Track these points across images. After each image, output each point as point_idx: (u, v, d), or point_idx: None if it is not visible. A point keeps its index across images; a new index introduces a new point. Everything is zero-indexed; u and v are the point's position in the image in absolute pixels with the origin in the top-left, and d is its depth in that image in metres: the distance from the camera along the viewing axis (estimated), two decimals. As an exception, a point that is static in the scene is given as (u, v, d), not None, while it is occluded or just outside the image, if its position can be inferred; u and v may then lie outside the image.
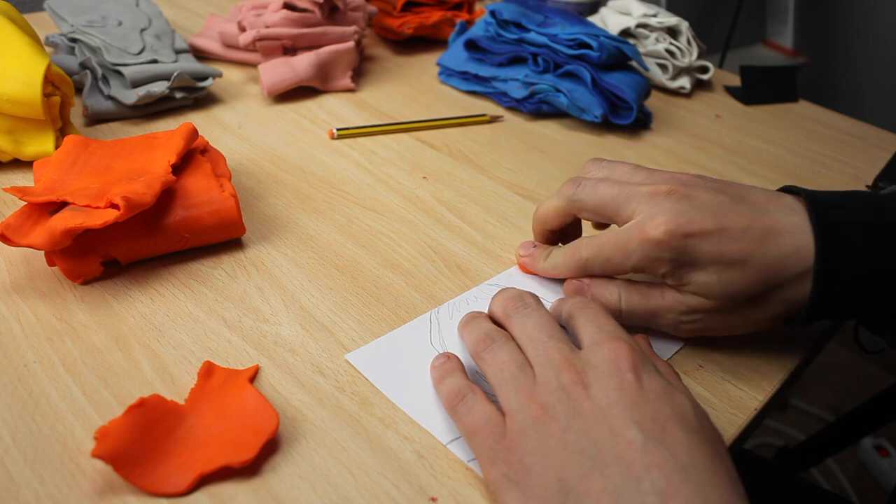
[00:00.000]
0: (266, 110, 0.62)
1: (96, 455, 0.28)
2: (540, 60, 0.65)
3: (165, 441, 0.30)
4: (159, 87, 0.57)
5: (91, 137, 0.48)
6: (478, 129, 0.63)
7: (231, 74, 0.68)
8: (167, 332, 0.37)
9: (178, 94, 0.59)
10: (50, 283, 0.40)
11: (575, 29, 0.65)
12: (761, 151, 0.66)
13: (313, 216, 0.48)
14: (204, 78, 0.61)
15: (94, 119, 0.57)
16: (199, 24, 0.78)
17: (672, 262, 0.35)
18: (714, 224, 0.34)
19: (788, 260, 0.34)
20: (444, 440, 0.33)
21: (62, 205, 0.38)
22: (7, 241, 0.37)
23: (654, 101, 0.72)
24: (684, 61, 0.74)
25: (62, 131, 0.52)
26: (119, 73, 0.58)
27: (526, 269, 0.44)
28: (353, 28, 0.68)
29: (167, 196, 0.41)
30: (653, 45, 0.74)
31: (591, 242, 0.38)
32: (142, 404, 0.30)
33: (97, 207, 0.37)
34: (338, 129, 0.59)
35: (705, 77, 0.77)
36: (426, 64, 0.76)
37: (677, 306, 0.37)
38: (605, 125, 0.65)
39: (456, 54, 0.71)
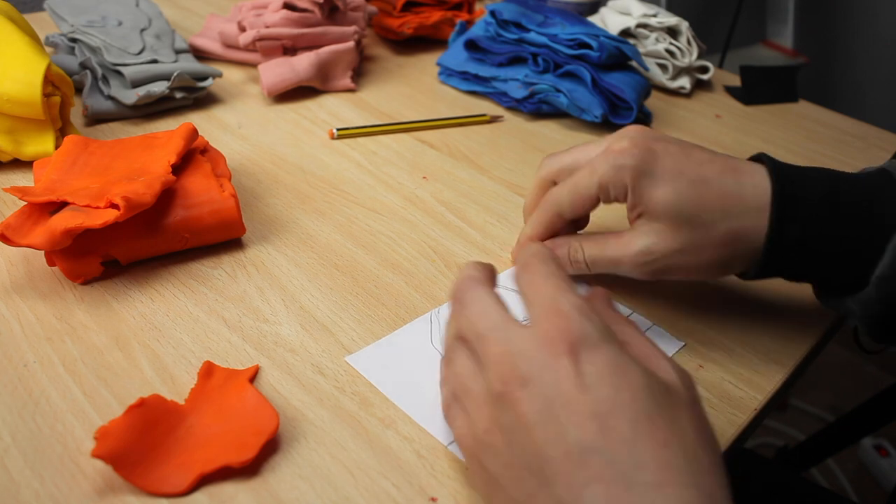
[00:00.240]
0: (266, 110, 0.62)
1: (96, 455, 0.28)
2: (540, 60, 0.65)
3: (165, 441, 0.30)
4: (159, 87, 0.57)
5: (91, 137, 0.48)
6: (478, 129, 0.63)
7: (231, 74, 0.68)
8: (167, 332, 0.37)
9: (178, 94, 0.59)
10: (50, 283, 0.40)
11: (575, 29, 0.65)
12: (761, 151, 0.65)
13: (313, 216, 0.48)
14: (204, 78, 0.61)
15: (94, 119, 0.57)
16: (199, 24, 0.78)
17: (634, 169, 0.36)
18: (678, 148, 0.37)
19: (746, 190, 0.36)
20: (444, 440, 0.33)
21: (62, 205, 0.38)
22: (7, 241, 0.37)
23: (654, 101, 0.72)
24: (684, 61, 0.74)
25: (62, 131, 0.52)
26: (119, 73, 0.58)
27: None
28: (353, 28, 0.68)
29: (167, 196, 0.41)
30: (653, 45, 0.74)
31: (558, 188, 0.40)
32: (142, 404, 0.30)
33: (97, 207, 0.37)
34: (338, 129, 0.59)
35: (705, 77, 0.77)
36: (426, 64, 0.76)
37: (634, 246, 0.37)
38: (605, 125, 0.65)
39: (456, 54, 0.71)
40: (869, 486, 1.23)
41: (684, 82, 0.75)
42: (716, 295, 0.44)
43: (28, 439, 0.31)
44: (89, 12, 0.64)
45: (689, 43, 0.75)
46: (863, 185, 0.36)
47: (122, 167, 0.43)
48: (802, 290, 0.44)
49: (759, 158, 0.39)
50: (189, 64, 0.61)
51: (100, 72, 0.58)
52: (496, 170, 0.57)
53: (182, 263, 0.42)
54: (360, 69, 0.73)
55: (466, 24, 0.75)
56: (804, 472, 1.19)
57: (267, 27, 0.65)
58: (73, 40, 0.62)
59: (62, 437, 0.31)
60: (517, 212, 0.51)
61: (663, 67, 0.75)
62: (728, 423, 0.36)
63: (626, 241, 0.38)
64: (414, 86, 0.71)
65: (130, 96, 0.56)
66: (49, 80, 0.49)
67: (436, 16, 0.78)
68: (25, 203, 0.39)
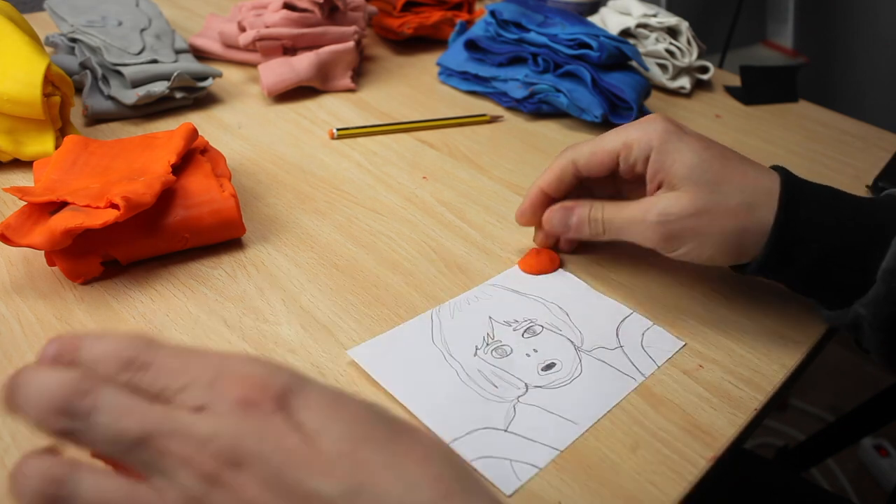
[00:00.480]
0: (266, 110, 0.62)
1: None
2: (540, 60, 0.65)
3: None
4: (159, 87, 0.57)
5: (91, 137, 0.48)
6: (478, 129, 0.63)
7: (231, 74, 0.68)
8: (167, 332, 0.37)
9: (178, 94, 0.59)
10: (50, 283, 0.40)
11: (575, 29, 0.65)
12: (761, 151, 0.66)
13: (313, 216, 0.48)
14: (204, 78, 0.61)
15: (94, 119, 0.57)
16: (199, 24, 0.78)
17: (664, 131, 0.38)
18: (702, 136, 0.39)
19: (761, 175, 0.38)
20: (446, 438, 0.33)
21: (62, 205, 0.38)
22: (7, 241, 0.37)
23: (654, 101, 0.72)
24: (684, 61, 0.74)
25: (62, 131, 0.52)
26: (119, 73, 0.58)
27: (526, 269, 0.44)
28: (353, 28, 0.68)
29: (167, 196, 0.41)
30: (653, 45, 0.74)
31: (577, 144, 0.41)
32: None
33: (97, 207, 0.37)
34: (338, 129, 0.59)
35: (705, 77, 0.77)
36: (426, 64, 0.76)
37: (653, 207, 0.38)
38: (605, 125, 0.65)
39: (456, 54, 0.71)
40: (869, 486, 1.23)
41: (684, 82, 0.75)
42: (716, 295, 0.44)
43: (28, 439, 0.31)
44: (89, 12, 0.64)
45: (689, 43, 0.75)
46: (863, 197, 0.38)
47: (122, 167, 0.43)
48: (802, 290, 0.44)
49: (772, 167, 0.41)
50: (189, 64, 0.61)
51: (100, 72, 0.58)
52: (496, 170, 0.57)
53: (182, 263, 0.42)
54: (360, 69, 0.73)
55: (466, 24, 0.75)
56: (804, 473, 1.19)
57: (267, 27, 0.65)
58: (73, 40, 0.62)
59: (62, 437, 0.31)
60: (517, 212, 0.51)
61: (663, 67, 0.75)
62: (728, 423, 0.36)
63: (644, 202, 0.39)
64: (414, 86, 0.71)
65: (130, 96, 0.56)
66: (49, 80, 0.49)
67: (436, 16, 0.78)
68: (25, 203, 0.39)
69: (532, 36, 0.66)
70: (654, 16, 0.75)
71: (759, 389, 0.38)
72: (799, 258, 0.37)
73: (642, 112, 0.66)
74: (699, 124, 0.69)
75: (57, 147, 0.49)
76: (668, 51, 0.74)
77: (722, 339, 0.41)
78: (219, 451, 0.21)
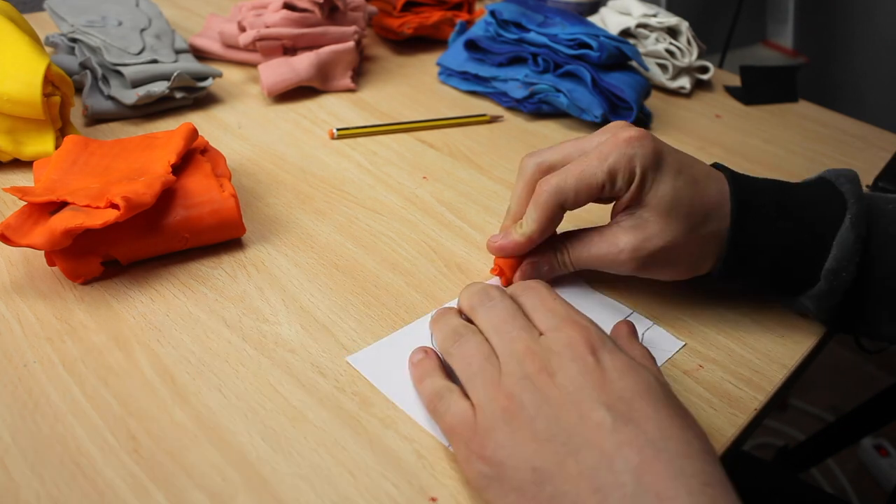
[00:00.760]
0: (266, 110, 0.62)
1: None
2: (540, 60, 0.65)
3: None
4: (159, 87, 0.57)
5: (91, 137, 0.48)
6: (478, 129, 0.63)
7: (231, 74, 0.68)
8: (167, 332, 0.37)
9: (178, 94, 0.59)
10: (50, 283, 0.40)
11: (575, 29, 0.65)
12: (761, 151, 0.66)
13: (313, 216, 0.48)
14: (204, 78, 0.61)
15: (94, 119, 0.57)
16: (199, 24, 0.78)
17: (646, 158, 0.37)
18: (671, 147, 0.39)
19: (722, 196, 0.39)
20: (445, 441, 0.33)
21: (62, 205, 0.38)
22: (7, 241, 0.37)
23: (654, 101, 0.72)
24: (684, 61, 0.74)
25: (62, 131, 0.52)
26: (119, 73, 0.58)
27: (501, 274, 0.42)
28: (353, 28, 0.68)
29: (167, 196, 0.41)
30: (653, 45, 0.74)
31: (560, 175, 0.38)
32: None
33: (97, 207, 0.37)
34: (338, 129, 0.59)
35: (705, 77, 0.77)
36: (426, 64, 0.76)
37: (623, 243, 0.38)
38: (605, 125, 0.65)
39: (456, 54, 0.71)
40: (869, 486, 1.23)
41: (684, 82, 0.75)
42: (716, 295, 0.44)
43: (28, 439, 0.31)
44: (89, 12, 0.64)
45: (689, 43, 0.75)
46: (806, 191, 0.40)
47: (122, 167, 0.43)
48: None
49: (716, 166, 0.41)
50: (189, 64, 0.61)
51: (100, 72, 0.58)
52: (496, 170, 0.57)
53: (182, 263, 0.42)
54: (360, 69, 0.73)
55: (466, 24, 0.75)
56: (804, 473, 1.19)
57: (267, 27, 0.65)
58: (73, 40, 0.62)
59: (62, 437, 0.31)
60: (517, 212, 0.51)
61: (663, 67, 0.75)
62: (728, 423, 0.36)
63: (612, 237, 0.39)
64: (414, 86, 0.71)
65: (130, 96, 0.56)
66: (49, 80, 0.49)
67: (436, 16, 0.78)
68: (25, 203, 0.39)
69: (532, 36, 0.66)
70: (654, 16, 0.75)
71: (759, 389, 0.38)
72: (751, 267, 0.39)
73: (642, 112, 0.66)
74: (699, 124, 0.69)
75: (57, 147, 0.49)
76: (668, 51, 0.74)
77: (722, 339, 0.41)
78: (543, 360, 0.30)
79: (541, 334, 0.31)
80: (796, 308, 0.42)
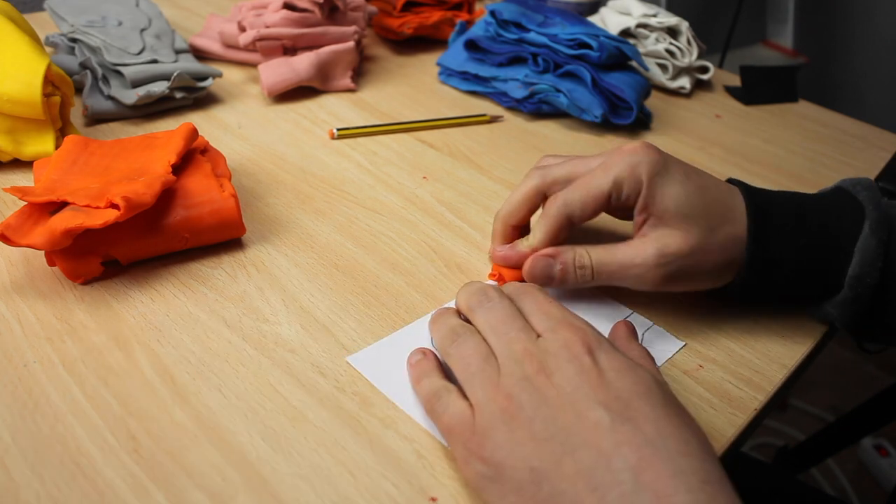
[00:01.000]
0: (266, 110, 0.62)
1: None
2: (540, 60, 0.65)
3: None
4: (159, 87, 0.57)
5: (91, 137, 0.48)
6: (478, 129, 0.63)
7: (231, 74, 0.68)
8: (167, 332, 0.37)
9: (178, 94, 0.59)
10: (50, 283, 0.40)
11: (575, 29, 0.65)
12: (761, 151, 0.66)
13: (313, 216, 0.48)
14: (204, 78, 0.61)
15: (94, 119, 0.57)
16: (199, 24, 0.78)
17: (651, 164, 0.38)
18: (677, 159, 0.40)
19: (735, 201, 0.39)
20: (445, 441, 0.33)
21: (62, 205, 0.38)
22: (7, 241, 0.37)
23: (654, 101, 0.72)
24: (684, 61, 0.74)
25: (62, 131, 0.52)
26: (119, 73, 0.58)
27: (500, 280, 0.42)
28: (353, 28, 0.68)
29: (167, 196, 0.41)
30: (653, 45, 0.74)
31: (566, 190, 0.39)
32: None
33: (97, 207, 0.37)
34: (338, 129, 0.59)
35: (705, 77, 0.77)
36: (426, 64, 0.76)
37: (648, 250, 0.38)
38: (605, 125, 0.65)
39: (456, 54, 0.71)
40: (869, 486, 1.23)
41: (684, 82, 0.75)
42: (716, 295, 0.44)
43: (28, 439, 0.31)
44: (89, 12, 0.64)
45: (689, 43, 0.75)
46: (823, 202, 0.40)
47: (122, 167, 0.43)
48: (802, 290, 0.44)
49: (730, 181, 0.42)
50: (189, 64, 0.61)
51: (100, 72, 0.58)
52: (496, 170, 0.57)
53: (182, 263, 0.42)
54: (360, 69, 0.73)
55: (466, 24, 0.75)
56: (804, 473, 1.19)
57: (267, 27, 0.65)
58: (73, 40, 0.62)
59: (62, 437, 0.31)
60: (517, 212, 0.51)
61: (663, 67, 0.75)
62: (728, 423, 0.36)
63: (637, 245, 0.38)
64: (414, 86, 0.71)
65: (130, 96, 0.56)
66: (49, 80, 0.49)
67: (436, 16, 0.78)
68: (25, 203, 0.39)
69: (532, 36, 0.66)
70: (654, 16, 0.75)
71: (759, 389, 0.38)
72: (772, 277, 0.39)
73: (642, 112, 0.66)
74: (699, 124, 0.69)
75: (57, 147, 0.49)
76: (668, 51, 0.74)
77: (722, 339, 0.41)
78: (541, 361, 0.30)
79: (538, 336, 0.31)
80: (819, 316, 0.42)
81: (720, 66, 1.24)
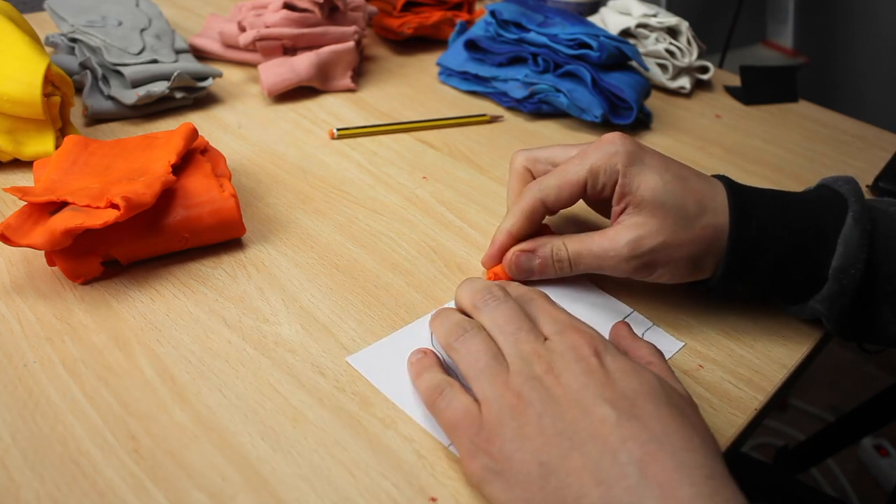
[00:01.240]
0: (266, 110, 0.62)
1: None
2: (540, 60, 0.65)
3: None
4: (159, 87, 0.57)
5: (91, 137, 0.48)
6: (478, 129, 0.63)
7: (231, 74, 0.68)
8: (167, 332, 0.37)
9: (178, 94, 0.59)
10: (50, 283, 0.40)
11: (575, 29, 0.65)
12: (761, 151, 0.66)
13: (313, 216, 0.48)
14: (204, 78, 0.61)
15: (94, 119, 0.57)
16: (199, 24, 0.78)
17: (628, 154, 0.38)
18: (657, 151, 0.40)
19: (716, 191, 0.39)
20: (445, 441, 0.33)
21: (62, 205, 0.38)
22: (7, 241, 0.37)
23: (654, 101, 0.72)
24: (684, 61, 0.74)
25: (62, 131, 0.52)
26: (119, 73, 0.58)
27: (494, 279, 0.42)
28: (353, 28, 0.68)
29: (167, 196, 0.41)
30: (653, 45, 0.74)
31: (543, 176, 0.41)
32: None
33: (97, 207, 0.37)
34: (338, 129, 0.59)
35: (705, 77, 0.77)
36: (426, 64, 0.76)
37: (622, 239, 0.38)
38: (606, 125, 0.65)
39: (456, 54, 0.71)
40: (869, 486, 1.23)
41: (684, 82, 0.75)
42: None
43: (28, 439, 0.31)
44: (89, 12, 0.64)
45: (689, 43, 0.75)
46: (806, 196, 0.40)
47: (122, 167, 0.43)
48: (802, 290, 0.44)
49: (715, 176, 0.42)
50: (189, 64, 0.61)
51: (100, 72, 0.58)
52: (496, 170, 0.57)
53: (182, 263, 0.42)
54: (360, 69, 0.73)
55: (466, 24, 0.75)
56: (804, 473, 1.19)
57: (267, 27, 0.65)
58: (73, 40, 0.62)
59: (62, 437, 0.31)
60: (517, 212, 0.51)
61: (663, 67, 0.75)
62: (728, 423, 0.36)
63: (612, 235, 0.39)
64: (414, 86, 0.71)
65: (130, 96, 0.56)
66: (49, 80, 0.49)
67: (436, 16, 0.78)
68: (25, 203, 0.39)
69: (532, 36, 0.66)
70: (654, 16, 0.75)
71: (759, 389, 0.38)
72: (755, 268, 0.39)
73: (642, 112, 0.66)
74: (699, 124, 0.69)
75: (57, 147, 0.49)
76: (668, 51, 0.74)
77: (722, 339, 0.41)
78: (549, 362, 0.30)
79: (545, 339, 0.32)
80: (807, 314, 0.41)
81: (720, 66, 1.24)
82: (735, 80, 0.81)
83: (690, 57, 0.74)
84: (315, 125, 0.61)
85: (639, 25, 0.74)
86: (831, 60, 1.56)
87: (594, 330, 0.32)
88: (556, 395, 0.29)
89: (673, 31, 0.75)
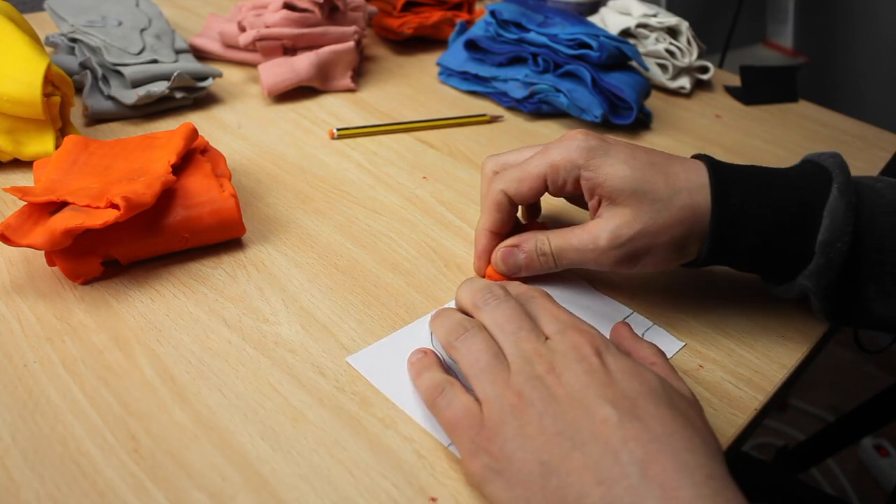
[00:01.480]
0: (266, 110, 0.62)
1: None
2: (540, 60, 0.65)
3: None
4: (159, 87, 0.57)
5: (91, 137, 0.48)
6: (478, 129, 0.63)
7: (231, 74, 0.68)
8: (167, 332, 0.37)
9: (178, 94, 0.59)
10: (50, 283, 0.40)
11: (575, 29, 0.65)
12: (761, 151, 0.66)
13: (313, 216, 0.48)
14: (204, 78, 0.61)
15: (94, 119, 0.57)
16: (199, 24, 0.78)
17: (588, 150, 0.38)
18: (625, 143, 0.40)
19: (690, 172, 0.39)
20: (445, 441, 0.33)
21: (62, 205, 0.38)
22: (7, 241, 0.37)
23: (654, 101, 0.72)
24: (684, 61, 0.74)
25: (62, 131, 0.52)
26: (119, 73, 0.58)
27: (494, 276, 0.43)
28: (353, 28, 0.68)
29: (167, 196, 0.41)
30: (653, 45, 0.74)
31: (504, 173, 0.41)
32: None
33: (97, 207, 0.37)
34: (338, 129, 0.59)
35: (705, 77, 0.77)
36: (426, 64, 0.76)
37: (601, 232, 0.38)
38: (605, 125, 0.65)
39: (456, 54, 0.71)
40: (869, 486, 1.23)
41: (684, 82, 0.75)
42: (716, 295, 0.44)
43: (28, 439, 0.31)
44: (89, 12, 0.64)
45: (689, 43, 0.75)
46: (790, 171, 0.40)
47: (122, 167, 0.43)
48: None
49: (695, 156, 0.41)
50: (189, 64, 0.61)
51: (100, 72, 0.58)
52: (496, 170, 0.56)
53: (182, 263, 0.42)
54: (360, 69, 0.73)
55: (466, 24, 0.75)
56: (804, 473, 1.19)
57: (267, 27, 0.65)
58: (73, 40, 0.62)
59: (62, 437, 0.31)
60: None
61: (663, 67, 0.75)
62: (728, 423, 0.36)
63: (591, 228, 0.39)
64: (414, 86, 0.71)
65: (130, 96, 0.56)
66: (49, 80, 0.49)
67: (436, 16, 0.78)
68: (25, 203, 0.39)
69: (532, 36, 0.66)
70: (654, 16, 0.75)
71: (759, 389, 0.38)
72: (739, 246, 0.38)
73: (642, 112, 0.66)
74: (699, 124, 0.69)
75: (57, 147, 0.49)
76: (668, 51, 0.74)
77: (722, 339, 0.41)
78: (550, 361, 0.30)
79: (546, 339, 0.32)
80: (795, 293, 0.40)
81: (720, 66, 1.24)
82: (735, 80, 0.81)
83: (690, 57, 0.74)
84: (315, 125, 0.61)
85: (639, 25, 0.74)
86: (831, 60, 1.56)
87: (595, 329, 0.32)
88: (558, 394, 0.29)
89: (673, 31, 0.75)
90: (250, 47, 0.66)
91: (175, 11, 0.81)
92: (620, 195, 0.38)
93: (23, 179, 0.49)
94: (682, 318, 0.42)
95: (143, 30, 0.64)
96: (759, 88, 0.77)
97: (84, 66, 0.58)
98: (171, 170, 0.42)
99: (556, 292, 0.42)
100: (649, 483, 0.25)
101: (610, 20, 0.76)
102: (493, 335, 0.33)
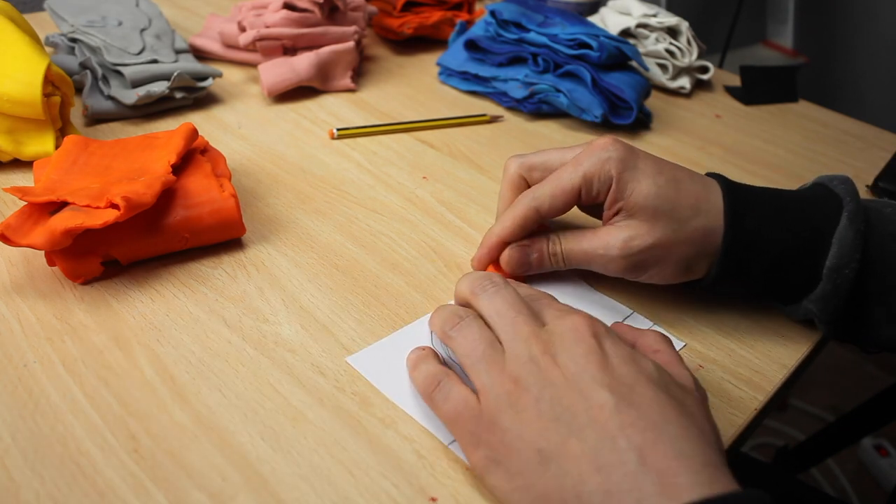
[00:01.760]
0: (266, 110, 0.62)
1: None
2: (540, 60, 0.65)
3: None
4: (159, 87, 0.57)
5: (91, 137, 0.48)
6: (478, 129, 0.63)
7: (231, 74, 0.68)
8: (167, 332, 0.37)
9: (178, 94, 0.59)
10: (50, 283, 0.40)
11: (575, 29, 0.65)
12: (761, 151, 0.66)
13: (313, 216, 0.48)
14: (204, 78, 0.61)
15: (94, 119, 0.57)
16: (199, 24, 0.78)
17: (621, 161, 0.38)
18: (650, 154, 0.40)
19: (711, 193, 0.39)
20: (445, 440, 0.33)
21: (62, 205, 0.38)
22: (7, 241, 0.37)
23: (654, 101, 0.72)
24: (684, 61, 0.74)
25: (62, 131, 0.52)
26: (119, 73, 0.58)
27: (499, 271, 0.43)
28: (353, 28, 0.68)
29: (167, 196, 0.41)
30: (653, 45, 0.74)
31: (537, 185, 0.40)
32: None
33: (97, 207, 0.37)
34: (338, 129, 0.59)
35: (705, 77, 0.77)
36: (426, 64, 0.76)
37: (613, 239, 0.39)
38: (605, 125, 0.65)
39: (456, 54, 0.71)
40: (869, 486, 1.23)
41: (684, 82, 0.75)
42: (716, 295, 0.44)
43: (28, 439, 0.31)
44: (89, 12, 0.64)
45: (689, 43, 0.75)
46: (801, 195, 0.40)
47: (122, 167, 0.43)
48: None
49: (709, 175, 0.42)
50: (189, 64, 0.61)
51: (100, 72, 0.58)
52: (496, 170, 0.57)
53: (182, 263, 0.42)
54: (360, 69, 0.73)
55: (466, 24, 0.75)
56: (804, 473, 1.19)
57: (267, 27, 0.65)
58: (73, 40, 0.62)
59: (62, 437, 0.31)
60: (517, 212, 0.51)
61: (663, 67, 0.75)
62: (728, 423, 0.36)
63: (604, 234, 0.39)
64: (414, 86, 0.71)
65: (130, 96, 0.56)
66: (49, 80, 0.49)
67: (436, 16, 0.78)
68: (25, 203, 0.39)
69: (532, 36, 0.66)
70: (654, 16, 0.75)
71: (759, 389, 0.38)
72: (752, 268, 0.39)
73: (642, 112, 0.66)
74: (699, 124, 0.69)
75: (57, 147, 0.49)
76: (668, 51, 0.74)
77: (722, 339, 0.41)
78: (546, 343, 0.30)
79: (545, 325, 0.32)
80: (800, 315, 0.41)
81: (720, 66, 1.24)
82: (735, 80, 0.81)
83: (690, 57, 0.74)
84: (315, 125, 0.61)
85: (639, 25, 0.74)
86: (831, 60, 1.56)
87: (596, 318, 0.32)
88: (553, 376, 0.29)
89: (673, 31, 0.75)
90: (250, 47, 0.66)
91: (175, 11, 0.81)
92: (641, 210, 0.38)
93: (23, 179, 0.49)
94: (682, 318, 0.42)
95: (143, 30, 0.64)
96: (759, 88, 0.77)
97: (84, 66, 0.58)
98: (171, 170, 0.42)
99: (556, 292, 0.42)
100: (647, 470, 0.25)
101: (610, 20, 0.76)
102: (491, 323, 0.33)
